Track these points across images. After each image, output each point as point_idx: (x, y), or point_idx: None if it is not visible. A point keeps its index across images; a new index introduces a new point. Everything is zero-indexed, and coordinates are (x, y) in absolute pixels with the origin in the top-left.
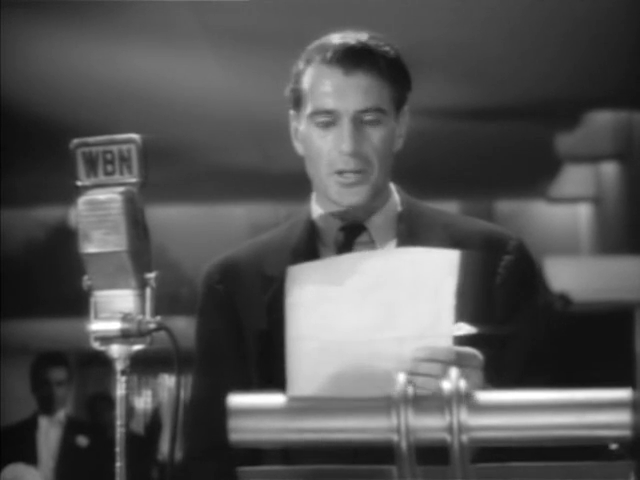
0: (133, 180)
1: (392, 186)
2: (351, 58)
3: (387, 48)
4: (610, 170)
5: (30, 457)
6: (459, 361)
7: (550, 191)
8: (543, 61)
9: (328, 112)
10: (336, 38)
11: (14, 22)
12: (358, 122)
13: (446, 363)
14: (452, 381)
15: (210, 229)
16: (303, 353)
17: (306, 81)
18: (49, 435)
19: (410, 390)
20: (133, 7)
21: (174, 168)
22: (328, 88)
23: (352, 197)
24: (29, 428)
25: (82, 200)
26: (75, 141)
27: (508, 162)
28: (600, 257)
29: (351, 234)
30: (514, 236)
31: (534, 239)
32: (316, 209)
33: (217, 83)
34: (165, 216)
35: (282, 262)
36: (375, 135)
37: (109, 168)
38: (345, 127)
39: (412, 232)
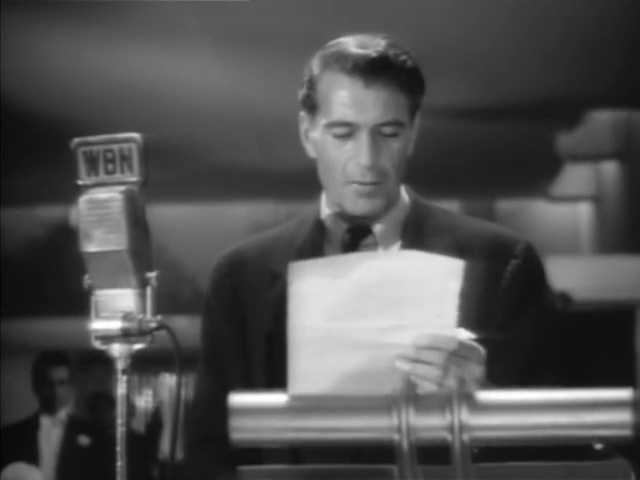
0: (134, 179)
1: (402, 187)
2: (371, 70)
3: (404, 57)
4: (610, 169)
5: (31, 456)
6: (461, 351)
7: (550, 190)
8: (543, 60)
9: (346, 124)
10: (354, 46)
11: (15, 22)
12: (376, 134)
13: (448, 351)
14: (453, 381)
15: (211, 228)
16: (305, 342)
17: (322, 88)
18: (50, 434)
19: (411, 385)
20: (135, 7)
21: (175, 167)
22: (347, 100)
23: (366, 207)
24: (31, 427)
25: (83, 199)
26: (76, 140)
27: (508, 161)
28: (600, 256)
29: (357, 236)
30: (522, 239)
31: (534, 238)
32: (325, 209)
33: (218, 82)
34: (166, 215)
35: (288, 260)
36: (393, 147)
37: (110, 167)
38: (364, 140)
39: (417, 237)
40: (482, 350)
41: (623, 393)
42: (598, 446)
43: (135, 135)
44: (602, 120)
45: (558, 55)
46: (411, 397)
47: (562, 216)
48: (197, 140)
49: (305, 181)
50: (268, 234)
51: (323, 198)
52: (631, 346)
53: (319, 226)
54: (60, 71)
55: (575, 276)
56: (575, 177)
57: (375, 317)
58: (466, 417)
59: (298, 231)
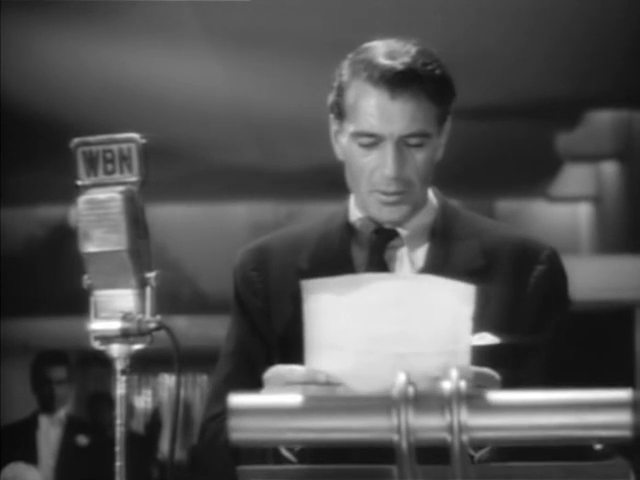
0: (133, 179)
1: (430, 190)
2: (398, 82)
3: (433, 66)
4: (610, 169)
5: (30, 456)
6: (476, 380)
7: (550, 190)
8: (543, 60)
9: (372, 135)
10: (383, 55)
11: (15, 22)
12: (402, 145)
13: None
14: (452, 381)
15: (210, 228)
16: (322, 362)
17: (350, 96)
18: (49, 434)
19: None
20: (135, 7)
21: (174, 167)
22: (373, 110)
23: (391, 214)
24: (29, 427)
25: (82, 199)
26: (75, 140)
27: (508, 161)
28: (600, 256)
29: (384, 237)
30: (547, 246)
31: None
32: (354, 211)
33: (218, 82)
34: (165, 215)
35: (316, 258)
36: (418, 157)
37: (109, 167)
38: (389, 151)
39: (444, 240)
40: (497, 377)
41: (623, 393)
42: (598, 446)
43: (134, 135)
44: (602, 120)
45: (558, 55)
46: (410, 397)
47: (562, 216)
48: (197, 140)
49: (305, 181)
50: (292, 231)
51: (352, 200)
52: (631, 346)
53: (348, 228)
54: (60, 71)
55: (575, 276)
56: (575, 177)
57: (391, 342)
58: (465, 418)
59: (326, 231)
